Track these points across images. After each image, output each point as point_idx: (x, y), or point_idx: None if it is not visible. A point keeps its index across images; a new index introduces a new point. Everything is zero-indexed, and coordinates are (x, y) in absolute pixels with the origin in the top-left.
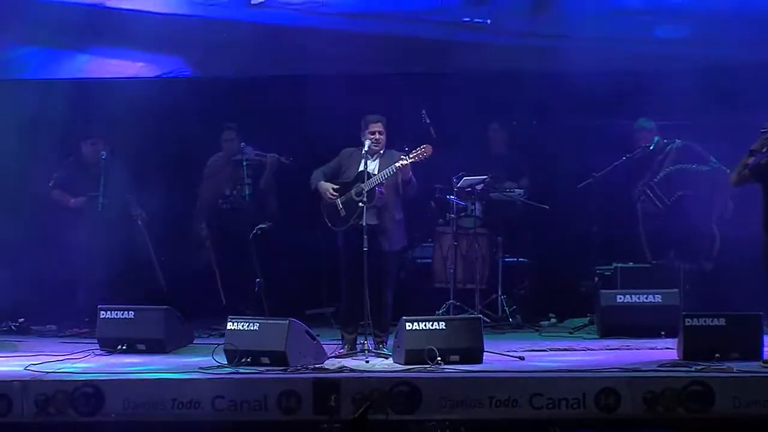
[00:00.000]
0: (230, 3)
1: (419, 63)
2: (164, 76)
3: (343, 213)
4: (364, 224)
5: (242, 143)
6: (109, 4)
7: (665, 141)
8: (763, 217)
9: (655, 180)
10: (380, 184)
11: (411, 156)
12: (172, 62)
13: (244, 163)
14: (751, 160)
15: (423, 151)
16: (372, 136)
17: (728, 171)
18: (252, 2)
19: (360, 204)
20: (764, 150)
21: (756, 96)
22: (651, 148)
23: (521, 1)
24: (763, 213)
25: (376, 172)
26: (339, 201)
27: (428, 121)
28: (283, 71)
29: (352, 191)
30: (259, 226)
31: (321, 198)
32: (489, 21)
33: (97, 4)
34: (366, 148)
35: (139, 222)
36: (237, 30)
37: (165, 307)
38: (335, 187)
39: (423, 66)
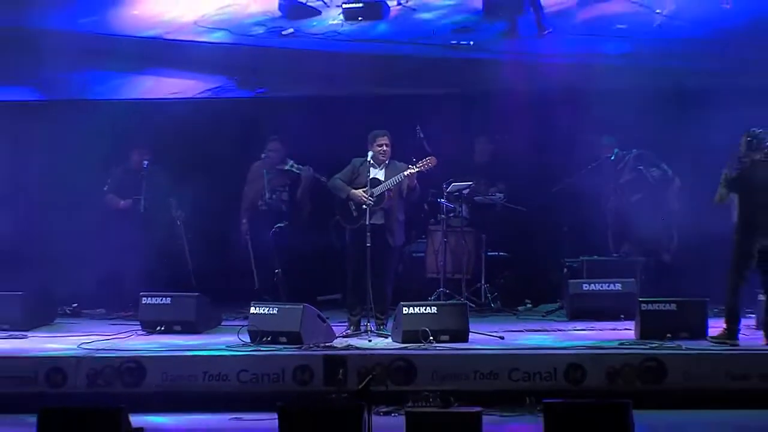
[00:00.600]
0: (266, 33)
1: (418, 79)
2: (205, 97)
3: (355, 213)
4: (367, 223)
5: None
6: (167, 36)
7: (624, 152)
8: (737, 221)
9: (621, 182)
10: (389, 189)
11: (418, 165)
12: (217, 80)
13: (284, 171)
14: (724, 177)
15: (429, 161)
16: (379, 148)
17: (671, 173)
18: (283, 33)
19: (363, 207)
20: (735, 165)
21: (695, 114)
22: (612, 158)
23: (499, 27)
24: (737, 218)
25: (382, 179)
26: (352, 203)
27: (422, 135)
28: (305, 91)
29: (368, 194)
30: (277, 224)
31: (345, 201)
32: (471, 42)
33: (157, 37)
34: (369, 159)
35: (178, 222)
36: (271, 55)
37: (196, 294)
38: (365, 189)
39: (421, 81)
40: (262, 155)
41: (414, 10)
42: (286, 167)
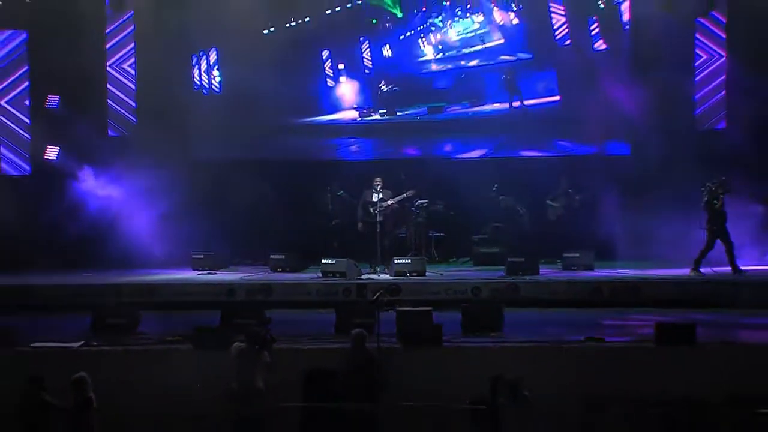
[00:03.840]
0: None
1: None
2: (303, 159)
3: (372, 216)
4: (376, 221)
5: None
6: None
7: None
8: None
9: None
10: (393, 203)
11: (407, 193)
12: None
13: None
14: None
15: (414, 191)
16: (375, 184)
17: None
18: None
19: (373, 211)
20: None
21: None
22: (494, 188)
23: None
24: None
25: (385, 198)
26: (372, 209)
27: (404, 177)
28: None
29: (378, 206)
30: (335, 221)
31: (365, 210)
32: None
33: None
34: (372, 189)
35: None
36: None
37: (297, 253)
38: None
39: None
40: (328, 188)
41: None
42: (338, 193)
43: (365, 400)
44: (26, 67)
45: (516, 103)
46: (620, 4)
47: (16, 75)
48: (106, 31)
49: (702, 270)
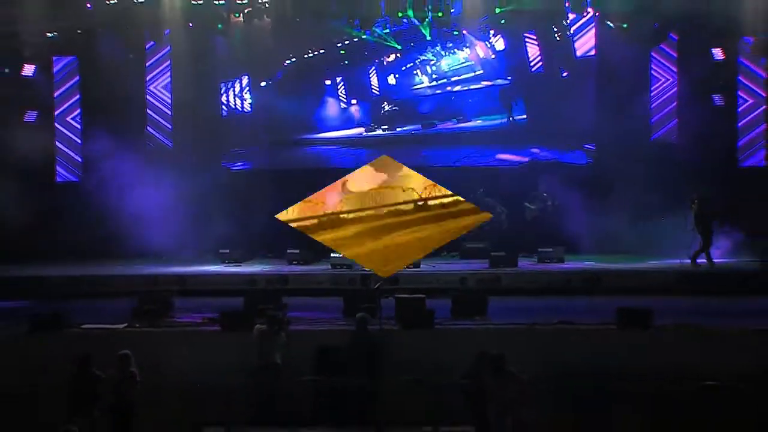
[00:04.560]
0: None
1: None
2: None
3: None
4: None
5: None
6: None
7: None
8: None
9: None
10: None
11: None
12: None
13: None
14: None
15: None
16: None
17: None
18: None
19: None
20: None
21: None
22: (481, 191)
23: None
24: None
25: None
26: None
27: None
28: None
29: None
30: None
31: None
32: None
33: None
34: None
35: None
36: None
37: (307, 250)
38: None
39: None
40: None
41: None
42: None
43: (367, 373)
44: (78, 90)
45: (518, 117)
46: (574, 40)
47: (68, 89)
48: (146, 47)
49: (698, 261)
